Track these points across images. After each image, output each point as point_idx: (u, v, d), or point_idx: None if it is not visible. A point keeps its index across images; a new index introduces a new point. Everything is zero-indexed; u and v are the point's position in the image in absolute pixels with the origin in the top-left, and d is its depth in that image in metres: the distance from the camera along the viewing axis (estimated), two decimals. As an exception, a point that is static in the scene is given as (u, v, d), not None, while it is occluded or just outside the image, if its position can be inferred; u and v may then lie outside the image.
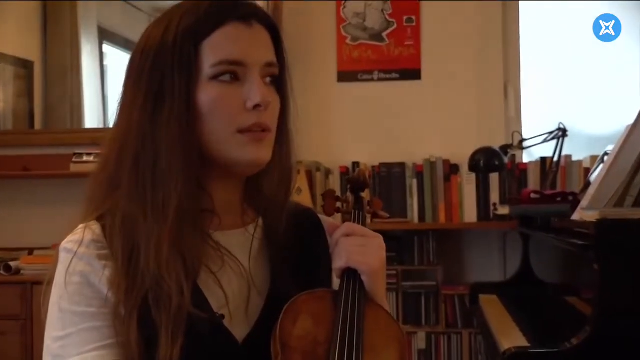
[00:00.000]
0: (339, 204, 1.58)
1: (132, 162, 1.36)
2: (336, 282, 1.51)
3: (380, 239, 1.48)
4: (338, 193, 1.63)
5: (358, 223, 1.53)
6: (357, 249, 1.43)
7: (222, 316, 1.37)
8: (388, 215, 1.65)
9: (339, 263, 1.43)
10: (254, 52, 1.39)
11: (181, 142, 1.34)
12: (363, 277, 1.42)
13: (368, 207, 1.61)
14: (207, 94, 1.36)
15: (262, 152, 1.40)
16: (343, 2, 4.96)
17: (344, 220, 1.53)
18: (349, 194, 1.61)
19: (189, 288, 1.31)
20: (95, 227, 1.39)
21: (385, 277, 1.49)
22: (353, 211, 1.57)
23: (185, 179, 1.34)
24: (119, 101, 1.44)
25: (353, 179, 1.62)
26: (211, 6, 1.39)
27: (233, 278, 1.42)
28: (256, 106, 1.36)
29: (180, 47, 1.35)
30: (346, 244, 1.44)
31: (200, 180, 1.39)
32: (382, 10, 4.93)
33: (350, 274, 1.42)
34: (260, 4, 4.30)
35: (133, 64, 1.42)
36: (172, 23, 1.38)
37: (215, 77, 1.36)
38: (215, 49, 1.36)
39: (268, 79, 1.42)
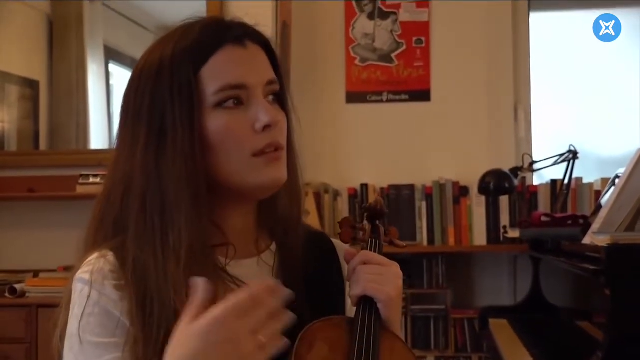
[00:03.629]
0: (355, 232, 1.55)
1: (139, 205, 1.34)
2: (349, 308, 1.51)
3: (397, 267, 1.46)
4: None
5: (375, 252, 1.51)
6: (374, 277, 1.42)
7: None
8: (404, 245, 1.63)
9: (355, 291, 1.42)
10: (253, 73, 1.37)
11: (188, 178, 1.32)
12: (379, 306, 1.41)
13: (384, 236, 1.59)
14: (214, 123, 1.34)
15: (280, 172, 1.39)
16: (352, 23, 4.95)
17: (360, 249, 1.51)
18: (365, 222, 1.59)
19: None
20: (110, 256, 1.35)
21: (401, 306, 1.47)
22: (370, 240, 1.55)
23: (195, 216, 1.32)
24: (117, 134, 1.43)
25: (370, 207, 1.61)
26: (203, 31, 1.37)
27: None
28: (266, 127, 1.35)
29: (178, 77, 1.34)
30: (363, 272, 1.42)
31: (211, 213, 1.37)
32: (391, 31, 4.92)
33: (367, 302, 1.41)
34: (269, 23, 4.34)
35: (129, 101, 1.40)
36: (165, 53, 1.36)
37: (219, 105, 1.34)
38: (215, 76, 1.34)
39: (271, 97, 1.41)
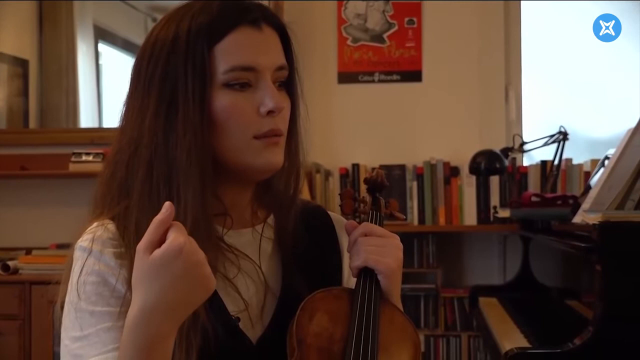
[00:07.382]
0: (356, 204, 1.57)
1: (145, 172, 1.35)
2: (347, 279, 1.54)
3: (397, 239, 1.48)
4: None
5: (375, 223, 1.53)
6: (375, 248, 1.43)
7: (238, 319, 1.38)
8: (404, 217, 1.64)
9: (356, 262, 1.44)
10: (265, 57, 1.38)
11: (196, 151, 1.33)
12: (380, 277, 1.43)
13: (385, 208, 1.60)
14: (221, 101, 1.35)
15: (277, 157, 1.40)
16: (344, 3, 4.95)
17: (361, 221, 1.53)
18: (366, 194, 1.61)
19: None
20: (110, 225, 1.37)
21: (401, 278, 1.49)
22: (371, 212, 1.56)
23: (201, 189, 1.33)
24: (124, 104, 1.43)
25: (371, 179, 1.62)
26: (221, 9, 1.38)
27: (249, 281, 1.43)
28: (270, 112, 1.36)
29: (192, 51, 1.34)
30: (364, 243, 1.44)
31: (213, 186, 1.38)
32: (383, 12, 4.91)
33: (367, 273, 1.43)
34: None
35: (140, 69, 1.40)
36: (181, 26, 1.37)
37: (227, 84, 1.35)
38: (227, 55, 1.36)
39: (278, 83, 1.42)
